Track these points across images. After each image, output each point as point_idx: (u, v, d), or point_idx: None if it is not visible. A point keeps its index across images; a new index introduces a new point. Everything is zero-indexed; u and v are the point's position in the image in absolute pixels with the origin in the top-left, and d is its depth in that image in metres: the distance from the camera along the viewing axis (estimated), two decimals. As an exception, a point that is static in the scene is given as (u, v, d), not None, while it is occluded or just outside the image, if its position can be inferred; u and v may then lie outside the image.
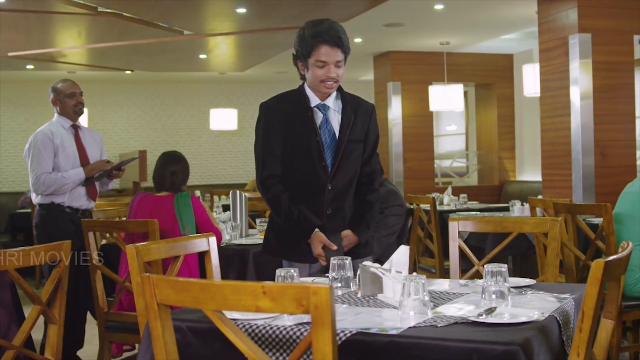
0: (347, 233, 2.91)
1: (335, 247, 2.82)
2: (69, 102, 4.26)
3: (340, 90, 2.97)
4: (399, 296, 1.97)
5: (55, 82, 4.36)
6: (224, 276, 3.58)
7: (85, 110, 10.92)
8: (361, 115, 2.96)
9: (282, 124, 2.93)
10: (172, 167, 3.96)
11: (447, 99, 8.59)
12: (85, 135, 4.36)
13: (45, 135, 4.16)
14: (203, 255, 2.66)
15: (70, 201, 4.19)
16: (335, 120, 2.92)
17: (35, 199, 4.22)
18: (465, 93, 10.89)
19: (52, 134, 4.18)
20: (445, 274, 5.16)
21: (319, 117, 2.92)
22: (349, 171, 2.93)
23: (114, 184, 4.57)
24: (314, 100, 2.92)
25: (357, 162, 2.97)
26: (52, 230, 4.07)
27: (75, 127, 4.32)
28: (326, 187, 2.89)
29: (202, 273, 3.49)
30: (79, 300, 4.04)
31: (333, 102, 2.94)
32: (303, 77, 2.95)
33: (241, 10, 6.84)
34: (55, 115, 4.32)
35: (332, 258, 2.43)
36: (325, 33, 2.80)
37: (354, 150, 2.93)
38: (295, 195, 2.91)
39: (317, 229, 2.85)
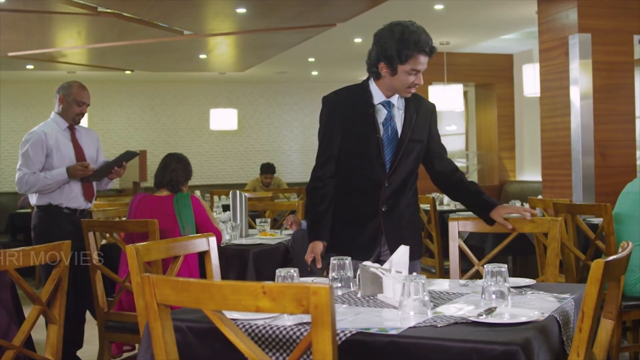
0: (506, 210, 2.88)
1: (319, 266, 2.88)
2: (74, 108, 4.22)
3: None
4: (399, 296, 1.97)
5: (70, 81, 4.31)
6: (224, 276, 3.58)
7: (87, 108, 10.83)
8: (423, 114, 2.96)
9: (342, 118, 2.93)
10: (173, 165, 3.98)
11: (447, 99, 8.60)
12: (81, 135, 4.32)
13: (38, 136, 4.11)
14: (203, 255, 2.66)
15: (67, 202, 4.16)
16: (399, 118, 2.91)
17: (33, 200, 4.19)
18: (465, 93, 10.89)
19: (45, 135, 4.12)
20: (445, 274, 5.16)
21: (382, 114, 2.90)
22: (407, 169, 2.91)
23: (113, 183, 4.54)
24: (378, 97, 2.90)
25: (416, 161, 2.96)
26: (50, 232, 4.02)
27: (71, 128, 4.27)
28: (383, 184, 2.87)
29: (202, 273, 3.49)
30: (78, 300, 4.04)
31: (397, 100, 2.92)
32: (373, 75, 2.90)
33: (241, 10, 6.84)
34: (53, 113, 4.26)
35: (332, 258, 2.43)
36: (425, 44, 2.78)
37: (414, 150, 2.92)
38: (352, 190, 2.92)
39: (320, 242, 2.89)
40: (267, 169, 9.28)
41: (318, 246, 2.88)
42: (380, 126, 2.88)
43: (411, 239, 2.82)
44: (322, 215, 2.94)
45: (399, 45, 2.77)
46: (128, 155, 4.30)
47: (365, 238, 2.87)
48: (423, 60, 2.79)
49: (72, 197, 4.18)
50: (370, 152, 2.86)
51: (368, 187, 2.90)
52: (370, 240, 2.87)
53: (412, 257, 2.58)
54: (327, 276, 2.66)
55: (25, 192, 4.16)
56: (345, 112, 2.92)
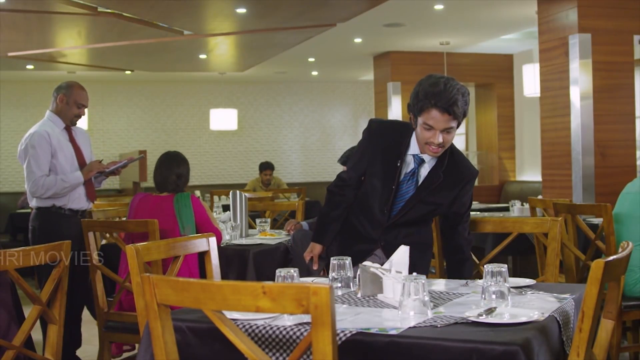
0: None
1: (315, 267, 2.91)
2: (73, 110, 4.19)
3: (448, 148, 2.80)
4: (399, 296, 1.97)
5: (70, 81, 4.27)
6: (224, 276, 3.58)
7: (85, 110, 10.89)
8: (452, 180, 2.80)
9: (374, 151, 2.86)
10: (178, 169, 3.93)
11: (447, 99, 8.58)
12: (77, 136, 4.30)
13: (41, 136, 4.05)
14: (203, 256, 2.66)
15: (71, 203, 4.14)
16: (423, 176, 2.81)
17: (34, 201, 4.17)
18: (465, 93, 10.87)
19: (48, 135, 4.07)
20: (445, 274, 5.16)
21: (409, 166, 2.80)
22: (411, 223, 2.85)
23: (105, 182, 4.54)
24: (413, 149, 2.79)
25: (425, 219, 2.90)
26: (51, 234, 3.92)
27: (68, 128, 4.24)
28: (382, 227, 2.85)
29: (202, 273, 3.49)
30: (74, 299, 4.02)
31: (430, 158, 2.79)
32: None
33: (241, 10, 6.84)
34: (48, 112, 4.21)
35: (332, 258, 2.43)
36: (438, 96, 2.59)
37: (426, 211, 2.84)
38: (361, 213, 2.92)
39: (321, 246, 2.92)
40: (266, 166, 9.30)
41: (317, 248, 2.91)
42: (403, 178, 2.81)
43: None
44: (332, 221, 2.96)
45: (418, 96, 2.66)
46: (133, 160, 4.36)
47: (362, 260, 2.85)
48: (436, 115, 2.60)
49: (76, 198, 4.16)
50: (382, 197, 2.83)
51: (372, 220, 2.89)
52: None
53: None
54: (325, 276, 2.67)
55: (40, 196, 4.05)
56: (379, 147, 2.86)
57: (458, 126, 2.70)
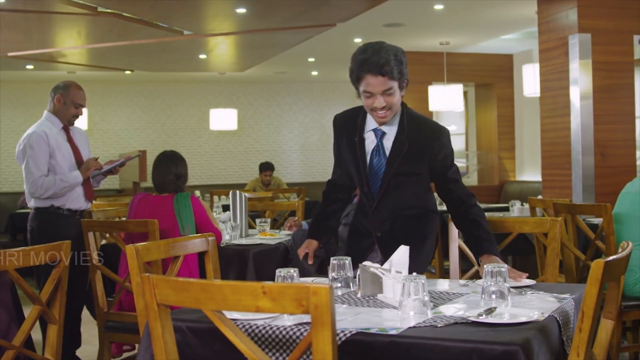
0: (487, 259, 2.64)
1: (311, 262, 2.92)
2: (71, 110, 4.19)
3: (403, 113, 2.80)
4: (399, 296, 1.97)
5: (67, 81, 4.26)
6: (224, 276, 3.58)
7: (85, 110, 10.92)
8: (419, 143, 2.75)
9: (340, 141, 2.90)
10: (177, 169, 3.93)
11: (447, 99, 8.60)
12: (75, 135, 4.29)
13: (39, 136, 4.05)
14: (203, 256, 2.66)
15: (69, 203, 4.14)
16: (389, 148, 2.78)
17: (32, 202, 4.16)
18: (465, 93, 10.89)
19: (46, 135, 4.07)
20: (445, 274, 5.16)
21: (371, 143, 2.79)
22: (399, 201, 2.79)
23: (104, 180, 4.53)
24: (371, 124, 2.79)
25: (412, 192, 2.82)
26: (50, 234, 3.93)
27: (66, 128, 4.24)
28: (371, 212, 2.84)
29: (202, 273, 3.49)
30: (73, 299, 4.01)
31: (390, 127, 2.78)
32: None
33: (241, 10, 6.84)
34: (46, 112, 4.20)
35: (332, 258, 2.43)
36: (367, 61, 2.61)
37: (405, 183, 2.77)
38: (356, 210, 2.95)
39: (314, 241, 2.95)
40: (266, 166, 9.29)
41: (313, 244, 2.93)
42: (368, 156, 2.79)
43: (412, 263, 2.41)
44: (325, 218, 2.99)
45: (351, 66, 2.68)
46: (130, 158, 4.34)
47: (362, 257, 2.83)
48: (371, 80, 2.61)
49: (74, 198, 4.16)
50: (359, 181, 2.84)
51: (363, 211, 2.91)
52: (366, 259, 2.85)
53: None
54: (321, 274, 2.67)
55: (39, 196, 4.05)
56: (343, 135, 2.89)
57: (402, 87, 2.70)
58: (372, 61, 2.61)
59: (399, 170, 2.75)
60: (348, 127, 2.87)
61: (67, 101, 4.17)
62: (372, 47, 2.65)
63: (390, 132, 2.78)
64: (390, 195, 2.77)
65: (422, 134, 2.77)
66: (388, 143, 2.78)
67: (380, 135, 2.79)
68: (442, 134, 2.80)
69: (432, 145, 2.76)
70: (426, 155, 2.76)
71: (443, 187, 2.84)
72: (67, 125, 4.23)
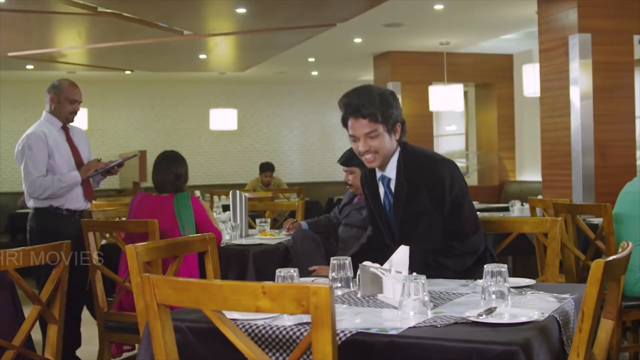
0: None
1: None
2: (67, 107, 4.17)
3: (401, 154, 2.67)
4: (399, 296, 1.97)
5: (60, 79, 4.25)
6: (224, 276, 3.58)
7: (85, 110, 10.84)
8: (418, 178, 2.62)
9: (365, 195, 2.88)
10: (176, 169, 3.93)
11: (447, 99, 8.60)
12: (75, 135, 4.29)
13: (38, 137, 4.05)
14: (203, 255, 2.66)
15: (68, 203, 4.13)
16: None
17: (31, 202, 4.15)
18: (465, 93, 10.89)
19: (45, 136, 4.06)
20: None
21: (382, 191, 2.73)
22: (423, 244, 2.58)
23: (104, 181, 4.52)
24: (378, 172, 2.73)
25: (432, 232, 2.63)
26: (49, 234, 3.88)
27: (66, 128, 4.23)
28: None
29: (202, 273, 3.49)
30: (72, 300, 4.01)
31: (392, 171, 2.67)
32: None
33: (241, 10, 6.84)
34: (45, 113, 4.20)
35: (332, 258, 2.43)
36: (348, 104, 2.56)
37: (419, 224, 2.63)
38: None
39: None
40: (266, 167, 9.29)
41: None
42: (383, 205, 2.73)
43: None
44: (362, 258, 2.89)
45: (340, 109, 2.63)
46: (128, 158, 4.32)
47: None
48: (353, 124, 2.56)
49: (74, 198, 4.16)
50: (384, 230, 2.77)
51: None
52: None
53: None
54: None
55: (38, 197, 4.04)
56: (365, 194, 2.86)
57: (392, 131, 2.60)
58: (352, 104, 2.56)
59: (406, 213, 2.64)
60: (366, 181, 2.83)
61: (61, 99, 4.17)
62: (355, 90, 2.61)
63: (393, 175, 2.69)
64: (411, 239, 2.54)
65: (418, 172, 2.64)
66: (393, 188, 2.70)
67: (386, 181, 2.71)
68: (437, 166, 2.61)
69: (427, 181, 2.61)
70: (425, 192, 2.61)
71: (444, 241, 2.61)
72: (66, 123, 4.23)
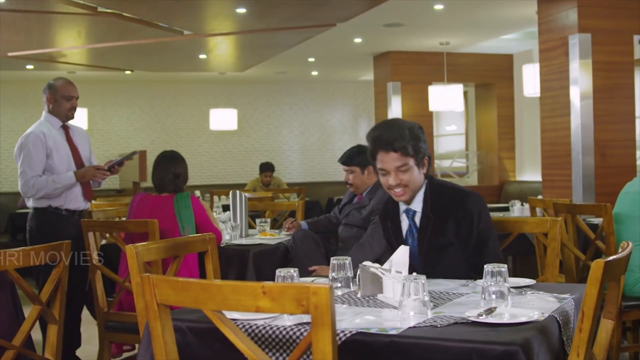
0: None
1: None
2: (64, 104, 4.16)
3: (428, 188, 2.68)
4: (399, 296, 1.97)
5: (53, 79, 4.25)
6: (224, 276, 3.58)
7: (85, 110, 10.85)
8: (446, 211, 2.61)
9: (387, 230, 2.82)
10: (175, 169, 3.93)
11: (447, 99, 8.60)
12: (75, 135, 4.28)
13: (37, 136, 4.05)
14: (203, 255, 2.66)
15: (67, 203, 4.12)
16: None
17: (31, 202, 4.14)
18: (465, 93, 10.89)
19: (44, 136, 4.06)
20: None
21: (405, 225, 2.71)
22: (443, 276, 2.56)
23: (103, 182, 4.52)
24: (402, 206, 2.71)
25: (456, 265, 2.60)
26: (48, 235, 3.89)
27: (65, 127, 4.23)
28: None
29: (202, 273, 3.49)
30: (72, 300, 4.00)
31: (419, 204, 2.66)
32: None
33: (241, 10, 6.84)
34: (44, 113, 4.20)
35: (332, 258, 2.43)
36: (379, 138, 2.56)
37: (443, 257, 2.61)
38: None
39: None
40: (266, 167, 9.29)
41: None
42: (405, 239, 2.70)
43: None
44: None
45: (368, 144, 2.63)
46: (126, 157, 4.30)
47: None
48: (384, 157, 2.57)
49: (73, 198, 4.15)
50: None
51: None
52: None
53: None
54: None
55: (32, 197, 4.04)
56: (385, 227, 2.81)
57: (421, 164, 2.61)
58: (384, 138, 2.56)
59: (432, 245, 2.62)
60: (388, 215, 2.79)
61: (57, 97, 4.17)
62: (385, 124, 2.64)
63: (419, 208, 2.68)
64: (434, 272, 2.55)
65: (446, 204, 2.64)
66: (419, 221, 2.69)
67: (411, 215, 2.70)
68: (467, 199, 2.62)
69: (455, 214, 2.61)
70: (452, 224, 2.61)
71: (467, 273, 2.58)
72: (66, 121, 4.22)
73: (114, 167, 4.27)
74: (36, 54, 8.79)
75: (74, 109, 4.22)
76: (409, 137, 2.56)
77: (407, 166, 2.58)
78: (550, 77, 6.10)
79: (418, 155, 2.59)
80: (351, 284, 2.38)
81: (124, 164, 4.31)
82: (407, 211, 2.70)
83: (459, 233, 2.60)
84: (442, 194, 2.66)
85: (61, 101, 4.17)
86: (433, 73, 9.28)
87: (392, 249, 2.72)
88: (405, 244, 2.68)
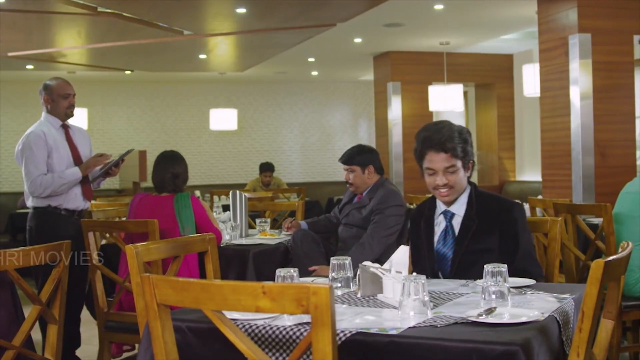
0: None
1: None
2: (62, 103, 4.16)
3: (471, 192, 2.72)
4: (399, 296, 1.97)
5: (48, 80, 4.25)
6: (224, 276, 3.58)
7: (85, 110, 10.82)
8: (490, 218, 2.64)
9: (418, 232, 2.80)
10: (174, 169, 3.93)
11: (447, 99, 8.60)
12: (75, 135, 4.28)
13: (37, 136, 4.06)
14: (203, 255, 2.66)
15: (66, 203, 4.12)
16: (458, 228, 2.69)
17: (30, 202, 4.15)
18: (465, 93, 10.89)
19: (44, 135, 4.07)
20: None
21: (441, 227, 2.72)
22: (475, 279, 2.53)
23: (104, 182, 4.51)
24: (441, 207, 2.73)
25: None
26: (48, 234, 3.90)
27: (65, 127, 4.23)
28: None
29: (202, 273, 3.49)
30: (72, 300, 4.00)
31: (461, 208, 2.70)
32: None
33: (241, 10, 6.84)
34: (44, 114, 4.20)
35: (332, 258, 2.44)
36: (430, 138, 2.62)
37: (477, 262, 2.51)
38: None
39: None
40: (266, 167, 9.29)
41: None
42: (436, 238, 2.71)
43: None
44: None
45: (416, 143, 2.68)
46: (122, 155, 4.29)
47: None
48: (433, 157, 2.62)
49: (72, 198, 4.15)
50: (426, 266, 2.72)
51: None
52: None
53: None
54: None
55: (40, 195, 4.04)
56: (416, 227, 2.80)
57: (467, 167, 2.67)
58: (434, 138, 2.63)
59: (470, 249, 2.63)
60: (422, 217, 2.79)
61: (54, 97, 4.17)
62: (435, 125, 2.68)
63: (459, 212, 2.70)
64: (467, 275, 2.56)
65: (491, 210, 2.68)
66: (457, 224, 2.70)
67: (449, 217, 2.71)
68: (513, 208, 2.67)
69: (501, 221, 2.65)
70: (496, 231, 2.64)
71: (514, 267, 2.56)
72: (66, 119, 4.23)
73: (111, 169, 4.26)
74: (36, 54, 8.79)
75: (72, 106, 4.23)
76: (459, 139, 2.65)
77: (455, 167, 2.63)
78: (550, 77, 6.10)
79: (465, 158, 2.67)
80: (351, 284, 2.38)
81: (120, 165, 4.28)
82: (445, 212, 2.72)
83: (501, 241, 2.63)
84: (487, 201, 2.71)
85: (58, 100, 4.17)
86: (433, 73, 9.28)
87: (417, 249, 2.75)
88: (435, 246, 2.70)
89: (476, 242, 2.63)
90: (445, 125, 2.68)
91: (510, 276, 2.40)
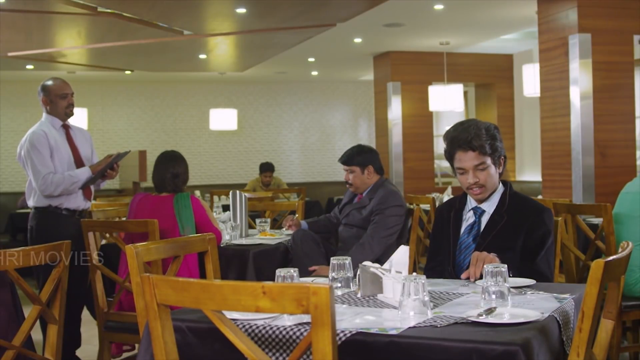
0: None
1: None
2: (60, 103, 4.17)
3: (505, 190, 2.76)
4: (399, 296, 1.97)
5: (45, 80, 4.25)
6: (224, 276, 3.58)
7: (85, 110, 10.82)
8: (519, 218, 2.66)
9: (443, 224, 2.83)
10: (174, 169, 3.93)
11: (447, 99, 8.60)
12: (76, 135, 4.28)
13: (40, 135, 4.06)
14: (203, 256, 2.66)
15: (67, 202, 4.13)
16: (484, 225, 2.72)
17: (31, 201, 4.15)
18: (465, 93, 10.89)
19: (46, 135, 4.08)
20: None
21: (469, 222, 2.75)
22: None
23: (105, 183, 4.51)
24: (472, 203, 2.77)
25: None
26: (49, 234, 3.92)
27: (66, 127, 4.24)
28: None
29: (202, 273, 3.49)
30: (72, 300, 4.00)
31: (491, 205, 2.73)
32: None
33: (241, 10, 6.84)
34: (44, 114, 4.21)
35: (332, 258, 2.44)
36: (457, 137, 2.66)
37: (502, 259, 2.54)
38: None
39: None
40: (266, 167, 9.29)
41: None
42: (462, 231, 2.74)
43: None
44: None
45: (446, 144, 2.72)
46: (120, 157, 4.28)
47: None
48: (462, 156, 2.66)
49: (73, 197, 4.15)
50: (446, 258, 2.75)
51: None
52: None
53: None
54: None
55: (52, 194, 4.03)
56: (443, 220, 2.82)
57: (497, 164, 2.70)
58: (461, 137, 2.66)
59: (493, 244, 2.62)
60: (452, 206, 2.83)
61: (52, 98, 4.18)
62: (461, 124, 2.72)
63: (490, 209, 2.74)
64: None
65: (522, 210, 2.70)
66: (486, 220, 2.73)
67: (479, 213, 2.75)
68: (544, 212, 2.69)
69: (530, 221, 2.66)
70: (523, 230, 2.66)
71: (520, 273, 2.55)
72: (66, 119, 4.23)
73: (107, 172, 4.25)
74: (36, 54, 8.79)
75: (71, 105, 4.23)
76: (486, 136, 2.69)
77: (485, 164, 2.67)
78: (550, 77, 6.10)
79: (495, 154, 2.70)
80: (351, 284, 2.38)
81: (116, 168, 4.26)
82: (476, 209, 2.75)
83: (526, 242, 2.64)
84: (519, 201, 2.73)
85: (57, 101, 4.18)
86: (433, 73, 9.28)
87: (438, 241, 2.77)
88: (460, 239, 2.73)
89: (501, 239, 2.65)
90: (472, 123, 2.71)
91: (524, 276, 2.47)
